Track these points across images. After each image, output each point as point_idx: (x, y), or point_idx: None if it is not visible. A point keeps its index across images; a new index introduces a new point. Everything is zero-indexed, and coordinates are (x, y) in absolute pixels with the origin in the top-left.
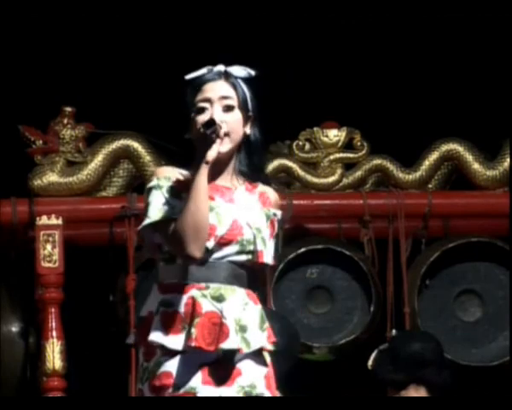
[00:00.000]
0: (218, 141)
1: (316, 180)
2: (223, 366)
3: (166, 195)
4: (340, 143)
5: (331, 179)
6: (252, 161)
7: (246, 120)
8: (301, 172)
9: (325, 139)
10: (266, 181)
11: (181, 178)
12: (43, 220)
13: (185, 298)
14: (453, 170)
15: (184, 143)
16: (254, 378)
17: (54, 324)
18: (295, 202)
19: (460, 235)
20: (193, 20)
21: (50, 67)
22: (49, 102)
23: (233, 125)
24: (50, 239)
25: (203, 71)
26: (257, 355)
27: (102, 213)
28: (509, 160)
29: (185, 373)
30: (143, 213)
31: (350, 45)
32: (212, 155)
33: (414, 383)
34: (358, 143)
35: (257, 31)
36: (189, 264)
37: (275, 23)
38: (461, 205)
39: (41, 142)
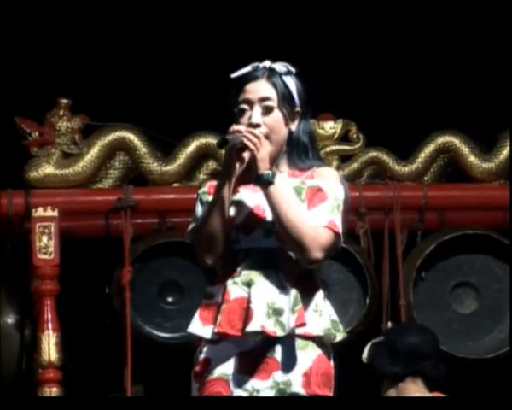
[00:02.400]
0: (247, 151)
1: None
2: (260, 355)
3: (200, 205)
4: (335, 136)
5: None
6: (299, 157)
7: (290, 116)
8: None
9: (321, 131)
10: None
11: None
12: (39, 212)
13: (222, 288)
14: (449, 162)
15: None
16: (291, 375)
17: (49, 316)
18: None
19: (456, 227)
20: (190, 13)
21: (46, 59)
22: (45, 94)
23: (272, 126)
24: (46, 231)
25: (248, 69)
26: (301, 349)
27: (98, 205)
28: (505, 152)
29: (221, 360)
30: None
31: (346, 38)
32: (239, 165)
33: (411, 375)
34: (354, 136)
35: (255, 25)
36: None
37: (272, 17)
38: (457, 197)
39: (37, 134)
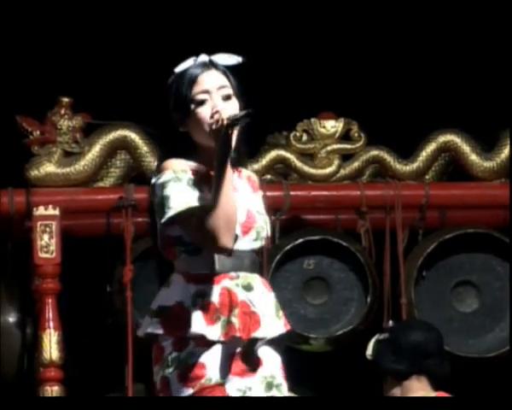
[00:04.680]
0: (235, 131)
1: (313, 171)
2: (248, 355)
3: (187, 186)
4: (337, 134)
5: (328, 170)
6: (241, 147)
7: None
8: (298, 163)
9: (322, 130)
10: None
11: (195, 170)
12: (40, 211)
13: (219, 288)
14: (450, 161)
15: (180, 133)
16: (274, 369)
17: (51, 314)
18: (292, 193)
19: (457, 226)
20: (192, 9)
21: (48, 58)
22: (47, 93)
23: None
24: (47, 230)
25: (190, 62)
26: (273, 344)
27: (99, 203)
28: (506, 151)
29: (215, 364)
30: (160, 207)
31: (347, 37)
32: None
33: (416, 373)
34: (356, 134)
35: (256, 22)
36: (219, 254)
37: (273, 14)
38: (458, 196)
39: (38, 132)
